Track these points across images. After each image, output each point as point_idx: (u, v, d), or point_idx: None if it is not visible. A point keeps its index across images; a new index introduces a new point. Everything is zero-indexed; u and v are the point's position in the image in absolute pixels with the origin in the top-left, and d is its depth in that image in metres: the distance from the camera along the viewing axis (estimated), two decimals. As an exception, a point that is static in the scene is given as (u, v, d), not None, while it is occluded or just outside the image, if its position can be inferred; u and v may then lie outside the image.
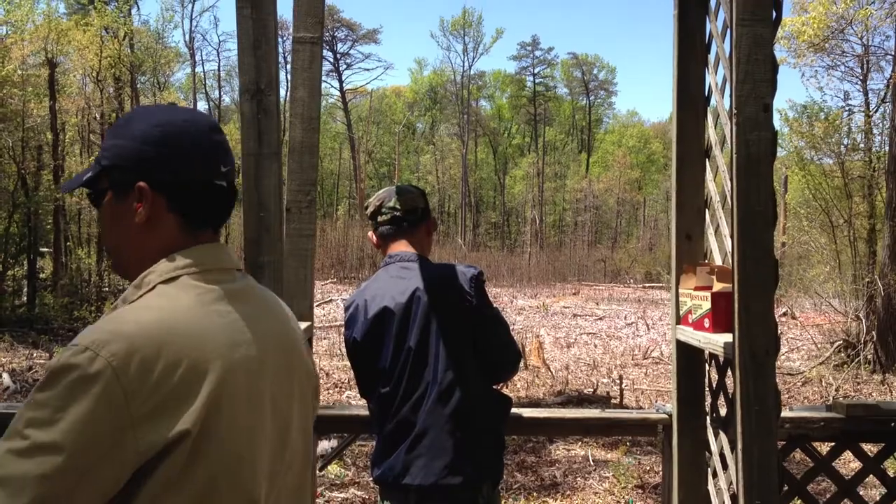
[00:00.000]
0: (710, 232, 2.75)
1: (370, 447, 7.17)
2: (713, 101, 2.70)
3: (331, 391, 9.97)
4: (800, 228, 18.35)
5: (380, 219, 2.61)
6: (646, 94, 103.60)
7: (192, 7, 44.52)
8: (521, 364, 11.39)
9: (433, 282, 2.45)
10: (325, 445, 7.05)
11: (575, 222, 56.03)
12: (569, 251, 47.38)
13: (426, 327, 2.40)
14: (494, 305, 2.56)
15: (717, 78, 2.64)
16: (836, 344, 13.39)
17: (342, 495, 5.92)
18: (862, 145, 15.72)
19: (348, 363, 10.44)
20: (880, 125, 15.42)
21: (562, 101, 67.01)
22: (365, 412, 3.13)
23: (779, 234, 21.50)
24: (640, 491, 6.10)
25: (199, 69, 47.49)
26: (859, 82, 16.28)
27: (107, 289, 19.38)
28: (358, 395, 9.78)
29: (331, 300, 23.46)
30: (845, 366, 12.52)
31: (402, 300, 2.43)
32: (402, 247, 2.59)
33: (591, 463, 6.89)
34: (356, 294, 2.61)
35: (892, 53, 13.99)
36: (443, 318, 2.41)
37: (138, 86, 30.27)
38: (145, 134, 1.22)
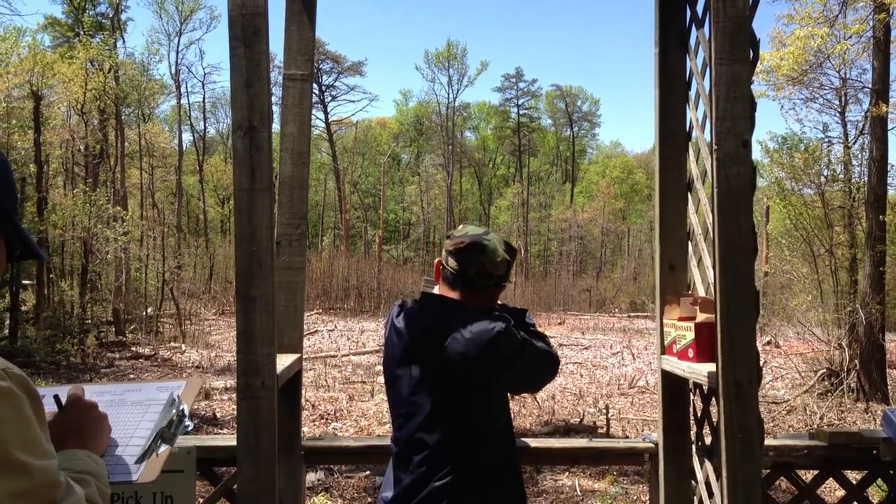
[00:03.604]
0: (693, 263, 2.81)
1: (357, 479, 7.14)
2: (694, 136, 2.77)
3: (317, 423, 9.93)
4: (782, 258, 18.51)
5: (450, 263, 2.39)
6: (629, 126, 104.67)
7: (179, 40, 44.57)
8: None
9: (454, 335, 2.26)
10: (311, 477, 7.03)
11: (560, 252, 56.20)
12: (554, 281, 47.44)
13: (425, 380, 2.30)
14: (529, 341, 2.32)
15: (697, 114, 2.71)
16: (820, 373, 13.47)
17: (329, 528, 5.88)
18: (841, 176, 15.93)
19: (334, 395, 10.36)
20: (859, 156, 15.67)
21: (546, 132, 67.53)
22: (354, 443, 3.15)
23: (761, 263, 21.67)
24: (627, 521, 6.10)
25: (184, 101, 47.54)
26: (838, 114, 16.54)
27: (89, 321, 19.22)
28: (344, 427, 9.75)
29: (316, 331, 23.37)
30: (829, 394, 12.59)
31: (422, 344, 2.33)
32: (449, 293, 2.41)
33: (579, 493, 6.89)
34: (392, 324, 2.47)
35: (869, 86, 14.23)
36: (443, 379, 2.28)
37: (123, 118, 30.28)
38: None
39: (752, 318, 2.20)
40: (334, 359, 16.93)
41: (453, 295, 2.39)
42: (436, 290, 2.49)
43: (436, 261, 2.48)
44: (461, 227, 2.46)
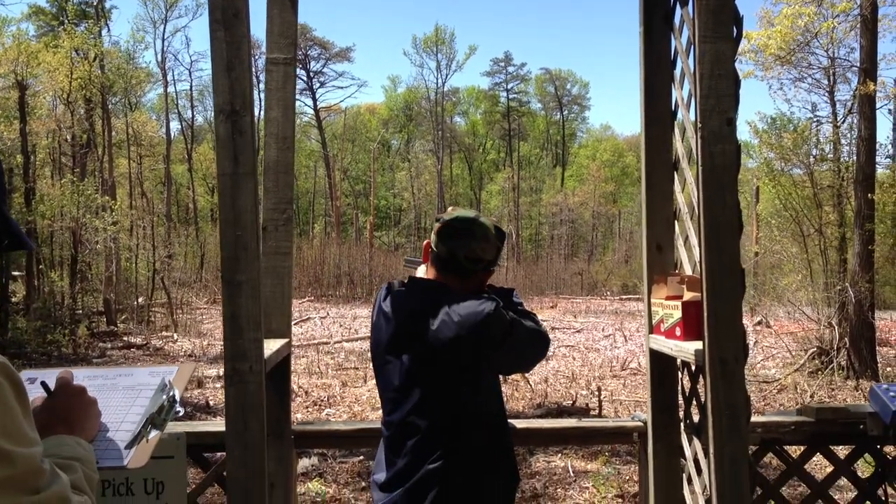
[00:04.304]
0: (680, 242, 2.81)
1: (350, 464, 7.16)
2: (680, 116, 2.77)
3: (310, 409, 9.94)
4: (772, 238, 18.58)
5: (439, 247, 2.35)
6: (619, 108, 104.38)
7: (164, 27, 44.22)
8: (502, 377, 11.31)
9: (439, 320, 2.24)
10: (305, 463, 7.04)
11: (551, 236, 56.21)
12: (545, 265, 47.49)
13: (415, 367, 2.28)
14: (518, 321, 2.29)
15: (682, 93, 2.71)
16: (810, 351, 13.55)
17: (323, 513, 5.91)
18: (830, 156, 15.97)
19: (328, 381, 10.31)
20: (848, 136, 15.71)
21: (535, 116, 67.38)
22: (344, 427, 3.16)
23: (751, 244, 21.76)
24: (619, 500, 6.14)
25: (171, 89, 47.19)
26: (826, 94, 16.57)
27: (80, 311, 19.17)
28: (337, 413, 9.76)
29: (308, 318, 23.36)
30: (819, 372, 12.67)
31: (409, 329, 2.30)
32: (438, 277, 2.38)
33: (571, 474, 6.92)
34: (380, 308, 2.44)
35: (858, 65, 14.24)
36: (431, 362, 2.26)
37: (109, 107, 30.07)
38: None
39: (738, 295, 2.21)
40: (327, 345, 16.93)
41: (442, 279, 2.36)
42: (420, 271, 2.48)
43: (424, 243, 2.45)
44: (450, 209, 2.44)
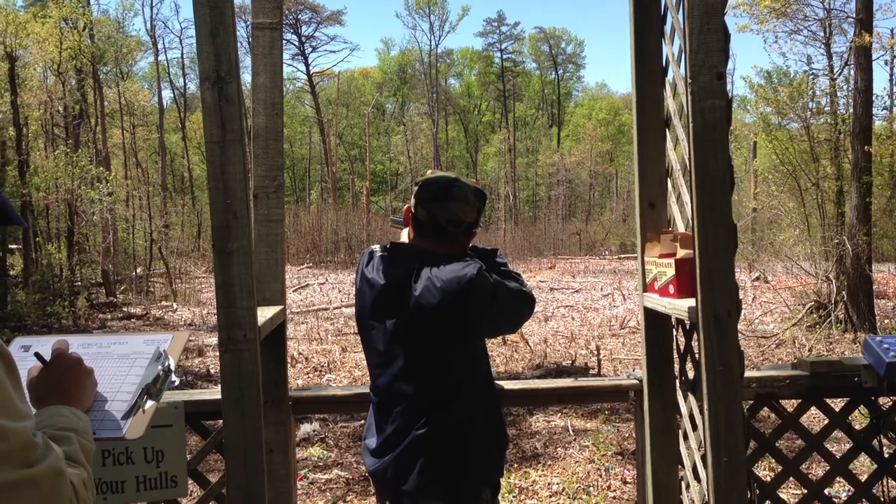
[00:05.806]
0: (673, 200, 2.80)
1: (352, 428, 7.22)
2: (670, 72, 2.74)
3: (311, 375, 10.00)
4: (769, 194, 18.55)
5: (419, 211, 2.34)
6: (614, 66, 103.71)
7: (153, -6, 43.77)
8: (501, 338, 11.38)
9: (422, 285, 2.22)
10: (307, 429, 7.10)
11: (548, 197, 56.15)
12: (543, 226, 47.54)
13: (401, 329, 2.27)
14: (503, 284, 2.29)
15: (673, 48, 2.67)
16: (808, 305, 13.61)
17: (325, 476, 5.97)
18: (827, 109, 15.89)
19: (327, 347, 10.33)
20: (844, 88, 15.62)
21: (530, 76, 66.96)
22: (341, 392, 3.17)
23: (749, 199, 21.73)
24: (619, 458, 6.20)
25: (161, 57, 46.88)
26: (822, 46, 16.44)
27: (79, 283, 19.19)
28: (338, 378, 9.80)
29: (307, 285, 23.42)
30: (818, 326, 12.75)
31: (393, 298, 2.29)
32: (420, 242, 2.37)
33: (571, 433, 6.99)
34: (362, 274, 2.42)
35: (853, 16, 14.10)
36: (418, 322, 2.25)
37: (101, 77, 29.81)
38: None
39: (730, 251, 2.20)
40: (326, 311, 17.00)
41: (424, 243, 2.35)
42: (403, 235, 2.47)
43: (405, 208, 2.43)
44: (429, 172, 2.41)
